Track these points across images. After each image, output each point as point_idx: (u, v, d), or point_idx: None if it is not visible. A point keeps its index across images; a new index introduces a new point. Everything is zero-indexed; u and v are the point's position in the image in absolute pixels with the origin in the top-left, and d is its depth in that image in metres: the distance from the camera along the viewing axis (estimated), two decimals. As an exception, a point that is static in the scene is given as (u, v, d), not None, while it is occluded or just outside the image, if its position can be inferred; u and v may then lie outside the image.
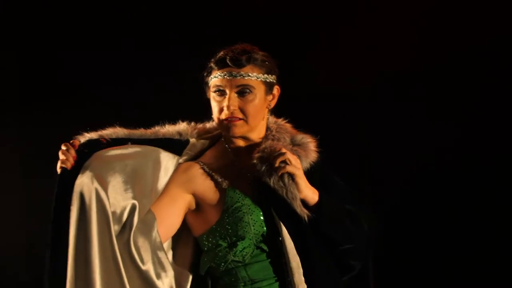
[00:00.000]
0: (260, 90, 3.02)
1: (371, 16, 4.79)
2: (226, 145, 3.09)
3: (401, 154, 4.71)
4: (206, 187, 3.02)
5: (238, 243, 2.95)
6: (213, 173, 3.04)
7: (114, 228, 2.85)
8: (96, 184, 2.85)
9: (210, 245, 2.99)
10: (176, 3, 4.89)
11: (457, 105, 4.72)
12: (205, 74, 3.07)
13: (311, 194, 2.95)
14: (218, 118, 3.01)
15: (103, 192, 2.84)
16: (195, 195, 3.03)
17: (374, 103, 4.73)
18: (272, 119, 3.12)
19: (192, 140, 3.11)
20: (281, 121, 3.13)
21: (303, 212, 2.92)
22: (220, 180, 3.02)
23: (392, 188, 4.67)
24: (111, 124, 4.74)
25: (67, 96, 4.89)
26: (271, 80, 3.05)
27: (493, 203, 4.69)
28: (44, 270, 2.87)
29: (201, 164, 3.05)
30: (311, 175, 3.00)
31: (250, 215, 2.96)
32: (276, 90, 3.08)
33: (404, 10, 4.76)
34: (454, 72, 4.73)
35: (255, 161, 2.94)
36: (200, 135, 3.13)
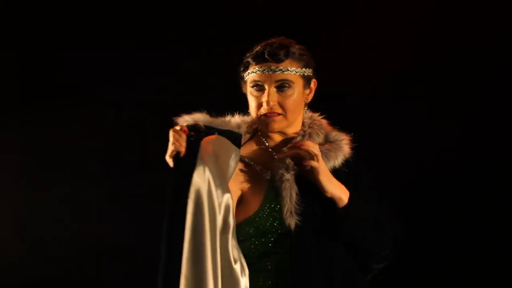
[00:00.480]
0: (298, 85, 3.00)
1: (370, 16, 4.79)
2: (264, 139, 3.08)
3: (401, 154, 4.71)
4: (248, 178, 3.02)
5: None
6: (254, 164, 3.04)
7: (217, 224, 2.83)
8: (209, 177, 2.84)
9: (246, 234, 2.96)
10: (175, 3, 4.90)
11: (456, 105, 4.73)
12: (241, 68, 3.05)
13: (339, 193, 2.93)
14: (257, 113, 2.99)
15: (214, 187, 2.84)
16: (239, 187, 3.01)
17: (374, 103, 4.74)
18: (308, 113, 3.10)
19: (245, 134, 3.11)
20: (316, 116, 3.11)
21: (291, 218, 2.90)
22: (260, 170, 3.03)
23: (392, 189, 4.68)
24: (112, 124, 4.81)
25: (67, 96, 4.91)
26: (309, 73, 3.04)
27: (492, 203, 4.70)
28: (159, 262, 2.78)
29: (241, 156, 3.04)
30: (345, 173, 3.00)
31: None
32: (313, 84, 3.07)
33: (403, 10, 4.77)
34: (453, 72, 4.74)
35: (279, 155, 2.96)
36: (247, 129, 3.12)
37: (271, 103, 2.95)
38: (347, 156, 3.02)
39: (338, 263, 2.94)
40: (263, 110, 2.97)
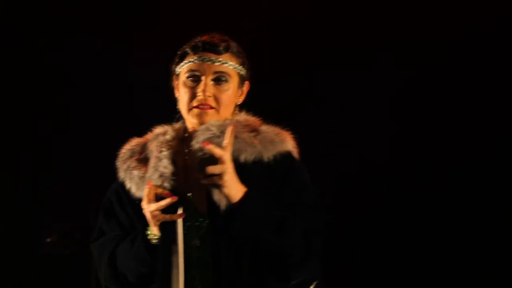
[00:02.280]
0: (234, 81, 2.87)
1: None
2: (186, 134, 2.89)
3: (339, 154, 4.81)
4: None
5: None
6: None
7: None
8: None
9: None
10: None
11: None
12: (176, 60, 2.90)
13: (234, 192, 2.67)
14: (189, 106, 2.83)
15: None
16: None
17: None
18: (243, 116, 2.90)
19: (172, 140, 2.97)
20: (249, 117, 2.90)
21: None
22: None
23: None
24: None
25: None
26: (244, 73, 2.91)
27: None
28: None
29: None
30: (268, 169, 2.78)
31: None
32: (246, 86, 2.94)
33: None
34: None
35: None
36: (175, 133, 2.97)
37: (207, 93, 2.79)
38: (277, 150, 2.81)
39: (247, 268, 2.72)
40: (196, 101, 2.81)
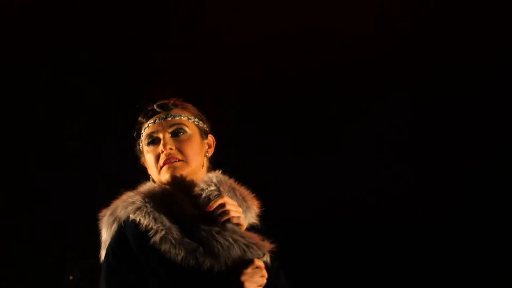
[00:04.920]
0: (194, 132, 2.88)
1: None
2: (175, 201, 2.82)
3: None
4: None
5: None
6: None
7: None
8: None
9: None
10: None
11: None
12: (134, 135, 2.93)
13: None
14: (157, 167, 2.82)
15: None
16: None
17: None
18: (217, 172, 2.87)
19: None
20: (221, 174, 2.88)
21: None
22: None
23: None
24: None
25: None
26: (203, 125, 2.93)
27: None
28: None
29: None
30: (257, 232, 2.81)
31: None
32: (211, 139, 2.95)
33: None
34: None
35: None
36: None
37: (168, 146, 2.79)
38: (255, 215, 2.85)
39: None
40: (161, 159, 2.81)
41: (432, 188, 4.92)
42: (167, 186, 2.82)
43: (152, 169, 2.85)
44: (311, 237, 4.96)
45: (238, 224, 2.73)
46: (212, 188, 2.77)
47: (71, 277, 5.21)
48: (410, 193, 4.92)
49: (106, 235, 2.78)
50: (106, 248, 2.75)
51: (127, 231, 2.71)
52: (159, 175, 2.82)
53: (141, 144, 2.90)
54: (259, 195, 2.88)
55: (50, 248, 5.11)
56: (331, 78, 4.99)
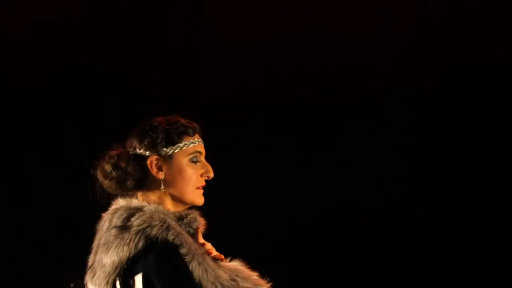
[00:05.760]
0: None
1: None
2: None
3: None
4: None
5: None
6: None
7: None
8: None
9: None
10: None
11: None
12: (167, 140, 2.83)
13: None
14: (195, 186, 2.81)
15: None
16: None
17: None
18: None
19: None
20: None
21: None
22: None
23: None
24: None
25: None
26: None
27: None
28: None
29: None
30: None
31: None
32: None
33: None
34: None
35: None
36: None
37: (212, 174, 2.82)
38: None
39: None
40: (201, 182, 2.81)
41: (432, 188, 4.92)
42: (187, 210, 2.80)
43: (185, 186, 2.81)
44: (311, 237, 4.96)
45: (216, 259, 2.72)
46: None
47: (72, 285, 5.19)
48: (410, 193, 4.92)
49: (124, 251, 2.66)
50: (146, 272, 2.63)
51: (167, 253, 2.63)
52: (192, 195, 2.81)
53: (170, 152, 2.82)
54: (259, 195, 2.88)
55: (49, 254, 5.10)
56: (331, 78, 4.98)
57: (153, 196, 2.78)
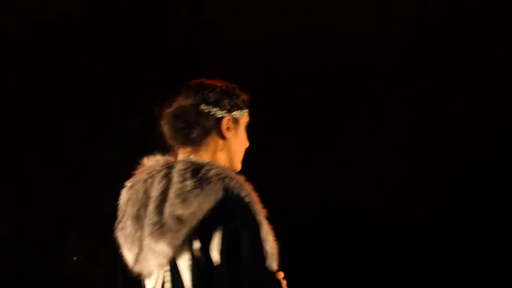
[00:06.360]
0: None
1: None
2: None
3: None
4: None
5: None
6: None
7: None
8: None
9: None
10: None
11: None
12: (238, 103, 2.85)
13: None
14: (240, 155, 2.87)
15: None
16: None
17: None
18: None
19: None
20: None
21: None
22: None
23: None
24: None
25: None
26: None
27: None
28: None
29: None
30: None
31: None
32: None
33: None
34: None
35: None
36: None
37: None
38: None
39: None
40: (243, 153, 2.88)
41: (432, 188, 4.92)
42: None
43: (240, 150, 2.86)
44: (311, 237, 4.96)
45: None
46: None
47: (74, 258, 5.21)
48: (410, 193, 4.92)
49: (206, 202, 2.62)
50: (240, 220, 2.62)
51: (248, 207, 2.61)
52: (239, 159, 2.85)
53: (238, 116, 2.83)
54: (259, 195, 2.89)
55: (49, 254, 5.12)
56: (331, 78, 4.99)
57: (206, 154, 2.78)
